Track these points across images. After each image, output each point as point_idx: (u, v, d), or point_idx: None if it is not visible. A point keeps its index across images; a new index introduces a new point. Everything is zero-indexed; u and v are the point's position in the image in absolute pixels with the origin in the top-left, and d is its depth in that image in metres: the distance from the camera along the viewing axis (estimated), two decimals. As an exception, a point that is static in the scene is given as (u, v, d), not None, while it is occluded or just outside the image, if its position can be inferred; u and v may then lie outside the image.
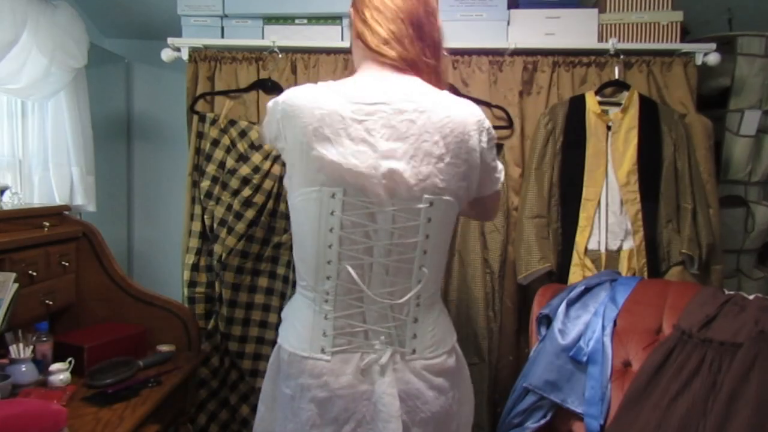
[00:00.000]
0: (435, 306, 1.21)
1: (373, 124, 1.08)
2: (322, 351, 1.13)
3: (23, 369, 1.57)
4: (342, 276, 1.12)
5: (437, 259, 1.19)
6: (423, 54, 1.16)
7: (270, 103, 1.17)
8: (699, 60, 2.12)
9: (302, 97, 1.11)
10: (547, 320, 1.74)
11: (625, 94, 2.07)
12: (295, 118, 1.09)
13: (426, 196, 1.10)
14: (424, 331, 1.17)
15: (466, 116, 1.13)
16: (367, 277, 1.13)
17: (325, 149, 1.07)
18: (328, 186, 1.09)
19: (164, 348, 1.86)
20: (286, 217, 2.02)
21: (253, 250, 2.00)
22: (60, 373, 1.59)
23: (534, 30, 2.14)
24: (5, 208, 1.74)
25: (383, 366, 1.12)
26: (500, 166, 1.25)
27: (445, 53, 1.25)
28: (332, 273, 1.13)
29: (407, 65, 1.15)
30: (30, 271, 1.63)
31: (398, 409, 1.11)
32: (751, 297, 1.65)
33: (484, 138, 1.16)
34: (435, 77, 1.18)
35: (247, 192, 1.97)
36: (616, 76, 2.10)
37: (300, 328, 1.16)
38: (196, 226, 2.06)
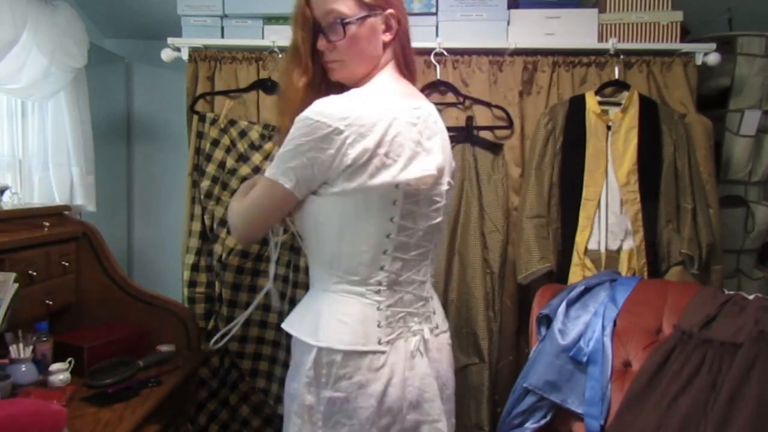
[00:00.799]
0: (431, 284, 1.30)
1: (424, 128, 1.14)
2: (379, 342, 1.13)
3: (23, 369, 1.57)
4: (394, 264, 1.16)
5: (442, 238, 1.30)
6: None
7: (338, 122, 1.07)
8: (699, 60, 2.12)
9: (373, 115, 1.09)
10: (547, 320, 1.74)
11: (625, 94, 2.07)
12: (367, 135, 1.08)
13: (447, 179, 1.22)
14: (437, 306, 1.28)
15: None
16: (406, 262, 1.18)
17: (396, 166, 1.09)
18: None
19: (164, 348, 1.86)
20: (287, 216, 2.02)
21: (253, 250, 2.00)
22: (60, 373, 1.59)
23: (534, 30, 2.14)
24: (5, 208, 1.74)
25: (425, 346, 1.18)
26: None
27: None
28: (386, 263, 1.15)
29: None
30: (30, 271, 1.63)
31: (437, 389, 1.17)
32: (751, 297, 1.65)
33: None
34: None
35: (247, 192, 1.97)
36: (616, 76, 2.10)
37: (351, 323, 1.13)
38: (196, 226, 2.06)
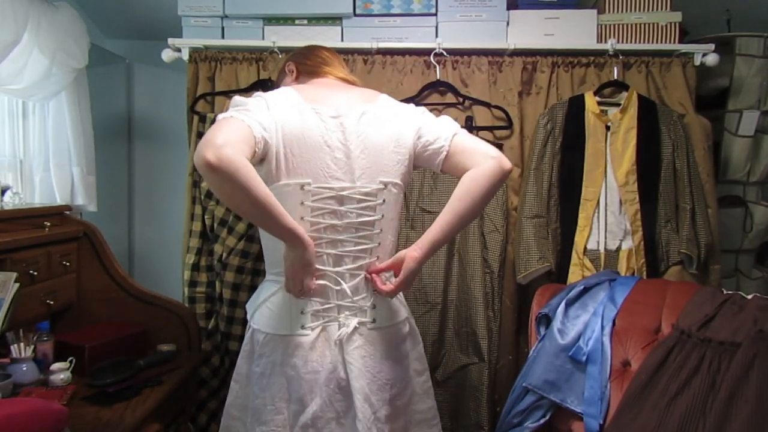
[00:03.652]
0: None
1: (342, 135, 1.27)
2: (302, 328, 1.25)
3: (24, 368, 1.58)
4: (319, 259, 1.25)
5: (388, 237, 1.34)
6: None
7: (259, 99, 1.24)
8: (698, 60, 2.12)
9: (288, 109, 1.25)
10: (546, 320, 1.75)
11: (624, 94, 2.08)
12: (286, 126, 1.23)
13: (380, 179, 1.30)
14: (383, 302, 1.32)
15: (403, 113, 1.36)
16: (331, 257, 1.27)
17: (309, 153, 1.24)
18: (300, 178, 1.23)
19: (165, 347, 1.87)
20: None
21: (253, 250, 2.00)
22: (61, 372, 1.60)
23: (533, 30, 2.14)
24: (6, 208, 1.75)
25: (350, 338, 1.26)
26: (444, 119, 1.38)
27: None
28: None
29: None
30: (31, 271, 1.64)
31: (360, 379, 1.24)
32: (750, 297, 1.66)
33: (418, 118, 1.36)
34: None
35: (247, 192, 1.98)
36: (615, 77, 2.10)
37: (275, 310, 1.28)
38: (197, 226, 2.06)
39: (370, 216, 1.29)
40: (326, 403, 1.24)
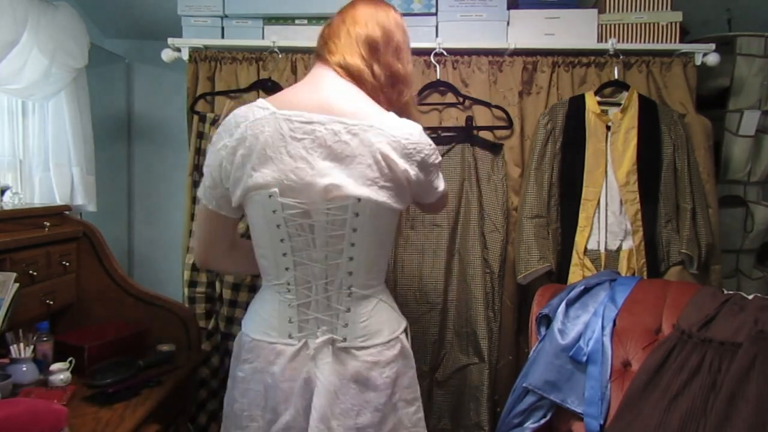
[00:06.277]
0: (371, 298, 1.27)
1: (311, 144, 1.17)
2: (290, 336, 1.24)
3: (24, 369, 1.58)
4: (297, 267, 1.24)
5: (370, 252, 1.24)
6: (371, 73, 1.28)
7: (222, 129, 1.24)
8: (698, 60, 2.12)
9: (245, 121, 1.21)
10: (546, 320, 1.75)
11: (625, 94, 2.08)
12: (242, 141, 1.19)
13: (354, 192, 1.17)
14: (357, 321, 1.24)
15: (395, 142, 1.18)
16: (311, 267, 1.24)
17: (268, 168, 1.17)
18: (264, 188, 1.18)
19: (164, 348, 1.86)
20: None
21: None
22: (60, 372, 1.59)
23: (534, 30, 2.14)
24: (6, 208, 1.74)
25: (318, 352, 1.22)
26: (440, 184, 1.34)
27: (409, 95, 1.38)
28: (289, 264, 1.24)
29: (349, 74, 1.27)
30: (30, 271, 1.63)
31: (325, 397, 1.20)
32: (751, 297, 1.65)
33: (413, 167, 1.21)
34: (383, 98, 1.29)
35: (247, 192, 1.98)
36: (616, 77, 2.10)
37: (265, 315, 1.27)
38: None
39: (340, 230, 1.20)
40: (299, 414, 1.21)
